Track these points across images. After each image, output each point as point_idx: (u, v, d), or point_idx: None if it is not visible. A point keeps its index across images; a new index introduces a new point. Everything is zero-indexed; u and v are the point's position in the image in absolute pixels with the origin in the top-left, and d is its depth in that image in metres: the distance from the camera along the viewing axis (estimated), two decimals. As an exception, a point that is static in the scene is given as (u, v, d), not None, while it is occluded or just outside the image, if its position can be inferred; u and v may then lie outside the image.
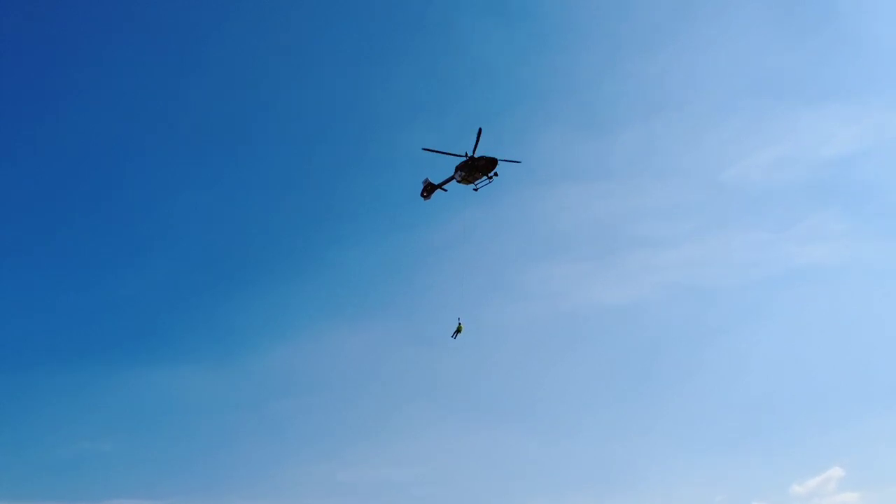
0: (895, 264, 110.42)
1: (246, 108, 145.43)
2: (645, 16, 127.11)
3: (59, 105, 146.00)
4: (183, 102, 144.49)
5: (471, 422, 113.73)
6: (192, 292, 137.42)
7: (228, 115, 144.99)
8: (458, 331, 79.78)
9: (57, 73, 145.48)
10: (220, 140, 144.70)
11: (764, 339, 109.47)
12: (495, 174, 75.68)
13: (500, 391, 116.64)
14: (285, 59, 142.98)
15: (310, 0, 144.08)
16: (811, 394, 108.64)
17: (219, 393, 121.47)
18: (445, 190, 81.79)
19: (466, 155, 75.24)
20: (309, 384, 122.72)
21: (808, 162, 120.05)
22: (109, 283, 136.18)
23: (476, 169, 75.74)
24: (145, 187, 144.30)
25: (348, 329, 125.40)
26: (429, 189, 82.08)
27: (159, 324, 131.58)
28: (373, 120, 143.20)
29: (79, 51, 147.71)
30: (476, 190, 77.56)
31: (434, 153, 74.24)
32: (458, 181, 77.92)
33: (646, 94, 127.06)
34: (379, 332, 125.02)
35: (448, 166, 79.95)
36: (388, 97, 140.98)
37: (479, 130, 72.35)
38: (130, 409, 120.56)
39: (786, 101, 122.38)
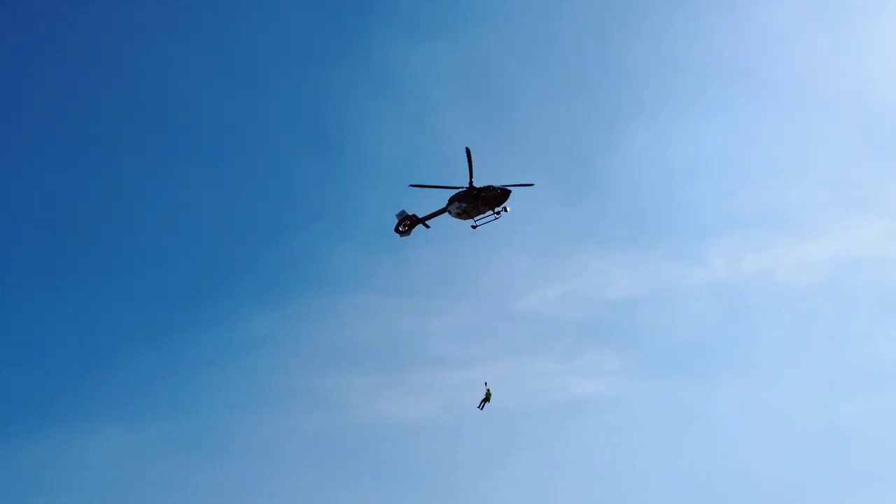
0: (661, 403, 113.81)
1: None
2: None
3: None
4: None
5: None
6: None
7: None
8: (487, 399, 65.05)
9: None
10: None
11: (537, 467, 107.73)
12: (505, 209, 62.79)
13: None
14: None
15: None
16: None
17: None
18: (428, 226, 67.20)
19: (472, 184, 61.98)
20: (62, 486, 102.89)
21: (592, 301, 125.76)
22: None
23: (483, 201, 61.80)
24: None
25: (113, 430, 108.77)
26: (409, 223, 66.27)
27: None
28: (165, 213, 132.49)
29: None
30: (475, 227, 64.10)
31: (425, 188, 62.07)
32: (455, 214, 62.93)
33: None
34: (149, 437, 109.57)
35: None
36: (197, 204, 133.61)
37: (468, 150, 60.12)
38: None
39: (576, 245, 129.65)
